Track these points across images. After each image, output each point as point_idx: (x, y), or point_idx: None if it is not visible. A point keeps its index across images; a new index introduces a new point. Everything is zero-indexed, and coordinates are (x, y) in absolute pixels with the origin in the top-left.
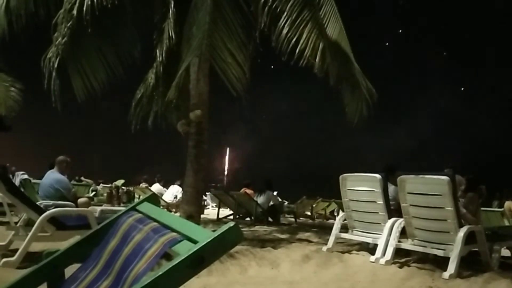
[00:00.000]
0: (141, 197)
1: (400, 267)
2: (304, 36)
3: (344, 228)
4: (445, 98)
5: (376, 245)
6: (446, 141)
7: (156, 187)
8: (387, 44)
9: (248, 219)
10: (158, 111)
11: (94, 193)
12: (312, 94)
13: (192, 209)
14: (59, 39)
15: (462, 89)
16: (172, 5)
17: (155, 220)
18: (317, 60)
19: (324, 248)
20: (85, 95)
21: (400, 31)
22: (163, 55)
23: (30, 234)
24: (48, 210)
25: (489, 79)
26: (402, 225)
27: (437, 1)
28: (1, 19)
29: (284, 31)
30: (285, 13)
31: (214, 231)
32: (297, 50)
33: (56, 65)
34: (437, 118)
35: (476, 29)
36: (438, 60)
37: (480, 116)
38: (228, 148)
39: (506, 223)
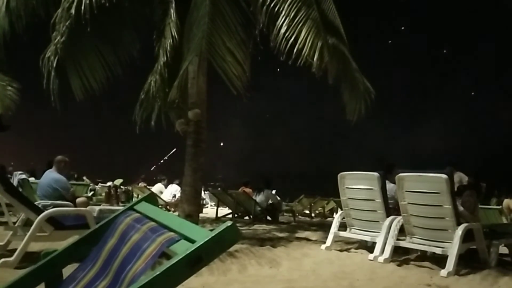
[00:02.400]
0: (139, 196)
1: (399, 265)
2: (302, 35)
3: (343, 227)
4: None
5: (374, 243)
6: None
7: (157, 186)
8: (389, 42)
9: (247, 218)
10: (161, 111)
11: (92, 192)
12: (314, 92)
13: (190, 208)
14: (58, 38)
15: (473, 93)
16: (174, 5)
17: (153, 219)
18: (315, 59)
19: (323, 246)
20: (83, 95)
21: (403, 28)
22: (167, 54)
23: (28, 234)
24: (47, 210)
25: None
26: (400, 223)
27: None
28: (1, 20)
29: (282, 31)
30: (283, 12)
31: (212, 230)
32: (295, 49)
33: (55, 65)
34: (444, 119)
35: (484, 29)
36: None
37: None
38: (227, 147)
39: (504, 220)
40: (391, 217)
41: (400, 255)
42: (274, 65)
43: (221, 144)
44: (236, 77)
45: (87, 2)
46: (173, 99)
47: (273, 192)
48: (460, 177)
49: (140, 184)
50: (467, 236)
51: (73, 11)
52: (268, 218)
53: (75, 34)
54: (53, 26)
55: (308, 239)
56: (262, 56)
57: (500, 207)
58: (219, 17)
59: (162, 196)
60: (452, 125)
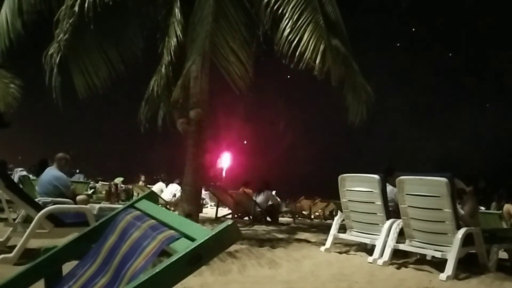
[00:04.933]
0: (139, 195)
1: (398, 268)
2: (305, 38)
3: (342, 229)
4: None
5: (374, 246)
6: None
7: (158, 185)
8: (398, 44)
9: (246, 218)
10: (165, 110)
11: (92, 190)
12: (315, 95)
13: (190, 207)
14: (61, 35)
15: (488, 105)
16: (178, 4)
17: (153, 217)
18: (317, 62)
19: (322, 248)
20: (86, 93)
21: (414, 29)
22: (171, 54)
23: (28, 230)
24: (47, 206)
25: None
26: (400, 226)
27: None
28: (14, 22)
29: (285, 33)
30: (287, 15)
31: (212, 229)
32: (297, 52)
33: (57, 62)
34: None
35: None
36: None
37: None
38: (227, 147)
39: (504, 225)
40: (391, 220)
41: (400, 258)
42: (279, 66)
43: (222, 144)
44: (239, 77)
45: (91, 0)
46: (176, 98)
47: (273, 193)
48: (457, 183)
49: (140, 182)
50: (467, 240)
51: (76, 8)
52: (268, 219)
53: (78, 31)
54: (56, 23)
55: (307, 241)
56: (266, 56)
57: (500, 211)
58: (223, 17)
59: (162, 195)
60: (469, 130)
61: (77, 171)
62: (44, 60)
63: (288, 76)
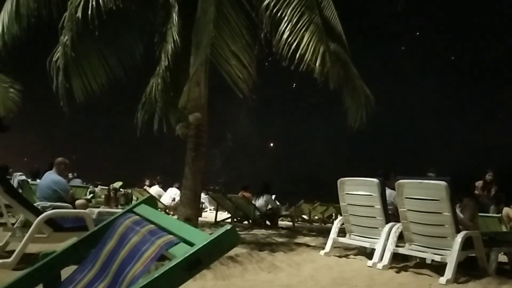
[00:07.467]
0: (138, 199)
1: (398, 272)
2: (305, 40)
3: (342, 233)
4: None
5: (373, 250)
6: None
7: (155, 189)
8: (403, 48)
9: (246, 222)
10: (162, 114)
11: (91, 195)
12: (314, 98)
13: (189, 211)
14: (65, 41)
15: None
16: (176, 9)
17: (152, 222)
18: (317, 64)
19: (322, 252)
20: (84, 96)
21: (418, 33)
22: (169, 58)
23: (27, 235)
24: (46, 211)
25: None
26: (399, 230)
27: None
28: (10, 26)
29: (285, 36)
30: (286, 18)
31: (211, 234)
32: (297, 55)
33: (62, 68)
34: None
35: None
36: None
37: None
38: (226, 151)
39: (504, 229)
40: (390, 224)
41: (399, 262)
42: (280, 68)
43: (222, 147)
44: (241, 80)
45: (94, 6)
46: (183, 105)
47: (273, 197)
48: None
49: (146, 186)
50: (466, 244)
51: (79, 14)
52: (267, 223)
53: (78, 36)
54: (61, 30)
55: (307, 245)
56: (269, 59)
57: (500, 215)
58: (224, 21)
59: (161, 200)
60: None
61: (75, 174)
62: (48, 66)
63: (294, 85)
